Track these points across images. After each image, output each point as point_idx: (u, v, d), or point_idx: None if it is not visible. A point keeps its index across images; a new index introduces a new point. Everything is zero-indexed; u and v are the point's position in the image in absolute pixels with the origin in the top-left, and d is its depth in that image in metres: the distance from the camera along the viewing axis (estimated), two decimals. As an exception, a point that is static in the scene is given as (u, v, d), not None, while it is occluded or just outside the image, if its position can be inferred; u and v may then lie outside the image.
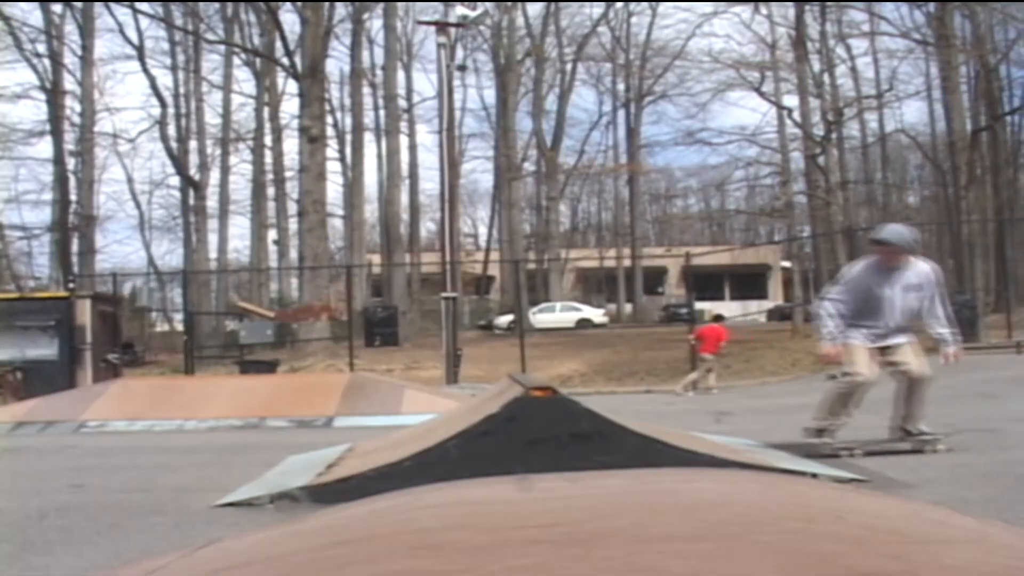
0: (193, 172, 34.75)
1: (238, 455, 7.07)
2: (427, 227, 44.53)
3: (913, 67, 34.68)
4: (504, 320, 31.31)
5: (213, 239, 35.47)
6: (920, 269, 6.03)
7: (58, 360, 15.55)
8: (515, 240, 33.56)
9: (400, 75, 35.08)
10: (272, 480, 5.33)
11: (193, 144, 35.49)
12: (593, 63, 39.23)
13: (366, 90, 35.48)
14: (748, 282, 42.63)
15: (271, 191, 35.15)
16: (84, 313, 16.05)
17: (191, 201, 34.54)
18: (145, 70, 32.79)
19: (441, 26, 19.32)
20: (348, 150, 35.57)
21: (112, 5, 30.27)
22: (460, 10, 18.91)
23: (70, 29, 32.54)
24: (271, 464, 6.04)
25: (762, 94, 29.40)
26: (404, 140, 35.43)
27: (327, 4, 26.82)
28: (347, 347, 19.71)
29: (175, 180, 36.25)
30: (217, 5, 32.49)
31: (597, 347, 23.02)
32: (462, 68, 29.73)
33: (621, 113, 40.25)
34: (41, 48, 32.15)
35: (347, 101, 35.68)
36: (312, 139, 23.54)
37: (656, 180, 47.08)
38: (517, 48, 35.65)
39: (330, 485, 4.72)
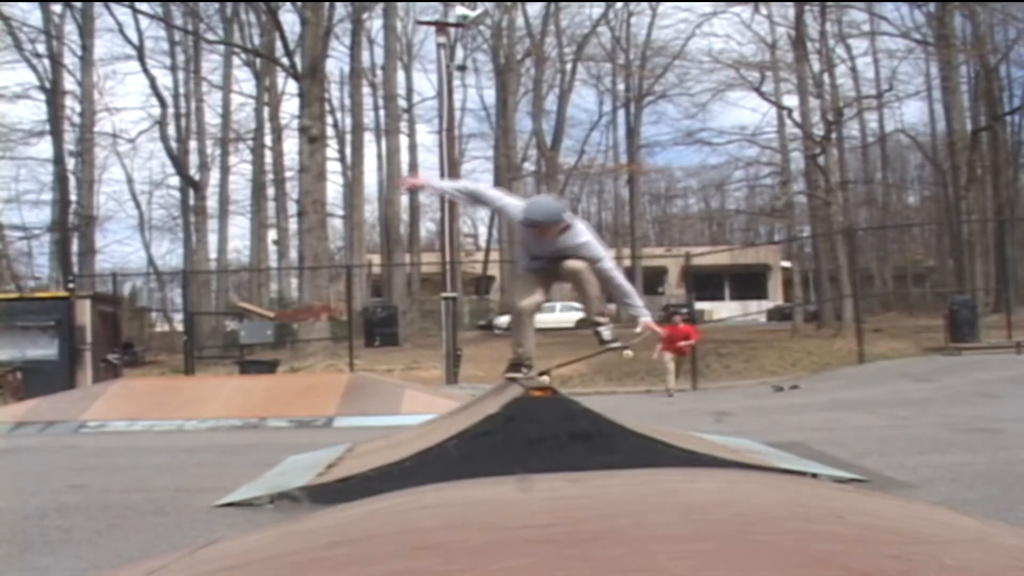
0: (193, 172, 34.70)
1: (238, 455, 7.07)
2: (427, 227, 44.54)
3: (913, 67, 34.76)
4: (504, 320, 31.26)
5: (213, 239, 35.44)
6: None
7: (58, 360, 15.57)
8: (515, 240, 33.48)
9: (400, 75, 35.08)
10: (272, 480, 5.33)
11: (193, 144, 35.45)
12: (593, 63, 39.17)
13: (366, 90, 35.47)
14: (748, 282, 42.64)
15: (271, 191, 35.09)
16: (84, 313, 16.06)
17: (191, 201, 34.47)
18: (145, 70, 32.78)
19: (441, 26, 19.35)
20: (348, 150, 35.54)
21: (112, 5, 30.26)
22: (460, 10, 18.93)
23: (70, 29, 32.53)
24: (271, 464, 6.04)
25: (762, 94, 29.37)
26: (404, 140, 35.40)
27: (327, 4, 26.79)
28: (347, 347, 19.69)
29: (175, 180, 36.21)
30: (217, 5, 32.46)
31: (597, 347, 22.92)
32: (462, 68, 29.73)
33: (621, 113, 40.21)
34: (41, 48, 32.13)
35: (347, 101, 35.68)
36: (312, 139, 23.53)
37: (656, 180, 47.05)
38: (517, 48, 35.64)
39: (330, 485, 4.72)
